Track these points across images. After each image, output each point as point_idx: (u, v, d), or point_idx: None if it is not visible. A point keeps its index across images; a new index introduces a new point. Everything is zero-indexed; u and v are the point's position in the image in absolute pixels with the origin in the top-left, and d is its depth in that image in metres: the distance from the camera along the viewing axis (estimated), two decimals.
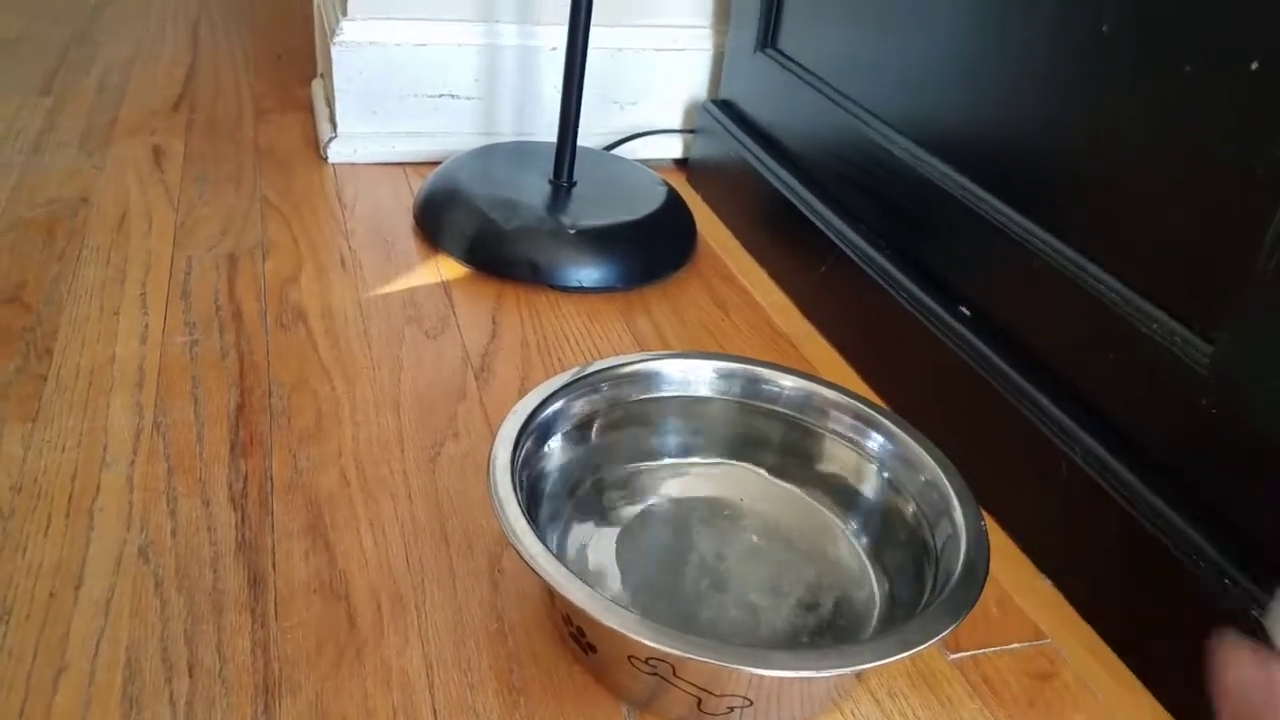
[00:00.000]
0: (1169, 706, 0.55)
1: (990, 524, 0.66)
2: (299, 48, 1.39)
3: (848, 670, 0.46)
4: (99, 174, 0.99)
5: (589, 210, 0.93)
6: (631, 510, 0.62)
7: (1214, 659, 0.37)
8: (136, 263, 0.85)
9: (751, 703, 0.48)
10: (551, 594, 0.50)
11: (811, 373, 0.67)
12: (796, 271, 0.92)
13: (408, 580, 0.57)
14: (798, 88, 0.92)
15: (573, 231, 0.90)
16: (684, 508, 0.63)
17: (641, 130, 1.15)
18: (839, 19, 0.87)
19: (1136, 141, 0.57)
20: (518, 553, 0.48)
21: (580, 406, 0.61)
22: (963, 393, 0.69)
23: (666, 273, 0.93)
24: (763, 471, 0.65)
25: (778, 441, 0.65)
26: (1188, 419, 0.54)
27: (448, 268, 0.90)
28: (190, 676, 0.50)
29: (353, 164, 1.07)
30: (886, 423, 0.61)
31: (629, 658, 0.47)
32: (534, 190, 0.95)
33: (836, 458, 0.63)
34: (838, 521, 0.62)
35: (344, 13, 1.03)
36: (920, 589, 0.54)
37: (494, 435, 0.55)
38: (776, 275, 0.95)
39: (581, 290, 0.89)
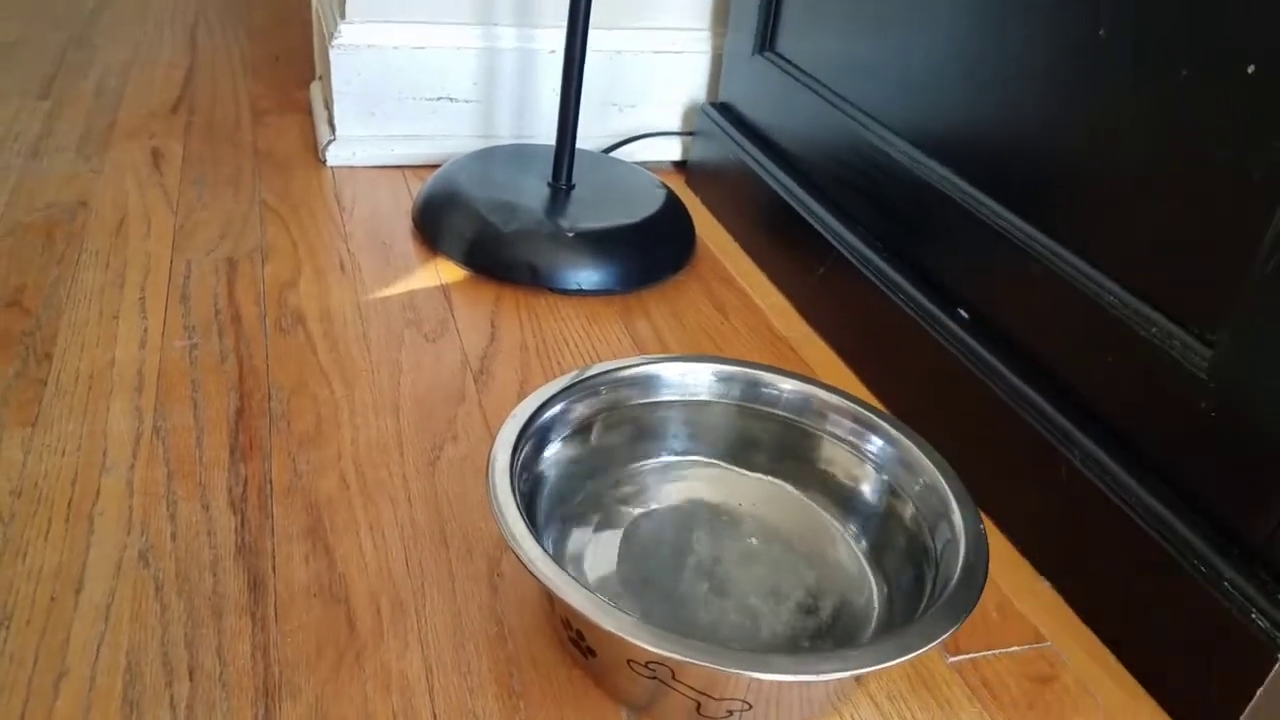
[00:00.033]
0: (1169, 709, 0.55)
1: (990, 527, 0.66)
2: (297, 50, 1.39)
3: (847, 674, 0.46)
4: (97, 178, 0.99)
5: (588, 213, 0.93)
6: (631, 513, 0.62)
7: None
8: (135, 266, 0.85)
9: (751, 706, 0.48)
10: (551, 598, 0.50)
11: (810, 375, 0.68)
12: (795, 274, 0.92)
13: (407, 584, 0.57)
14: (796, 90, 0.93)
15: (571, 234, 0.90)
16: (683, 511, 0.63)
17: (640, 133, 1.15)
18: (837, 22, 0.87)
19: (1134, 145, 0.57)
20: (517, 557, 0.48)
21: (579, 410, 0.62)
22: (961, 395, 0.69)
23: (665, 275, 0.94)
24: (762, 475, 0.65)
25: (777, 444, 0.65)
26: (1187, 422, 0.54)
27: (447, 271, 0.90)
28: (191, 680, 0.50)
29: (351, 167, 1.08)
30: (885, 426, 0.61)
31: (628, 662, 0.47)
32: (533, 193, 0.95)
33: (835, 461, 0.63)
34: (837, 524, 0.63)
35: (342, 15, 1.03)
36: (919, 592, 0.54)
37: (493, 438, 0.55)
38: (775, 278, 0.95)
39: (580, 293, 0.89)
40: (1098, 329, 0.59)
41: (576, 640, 0.51)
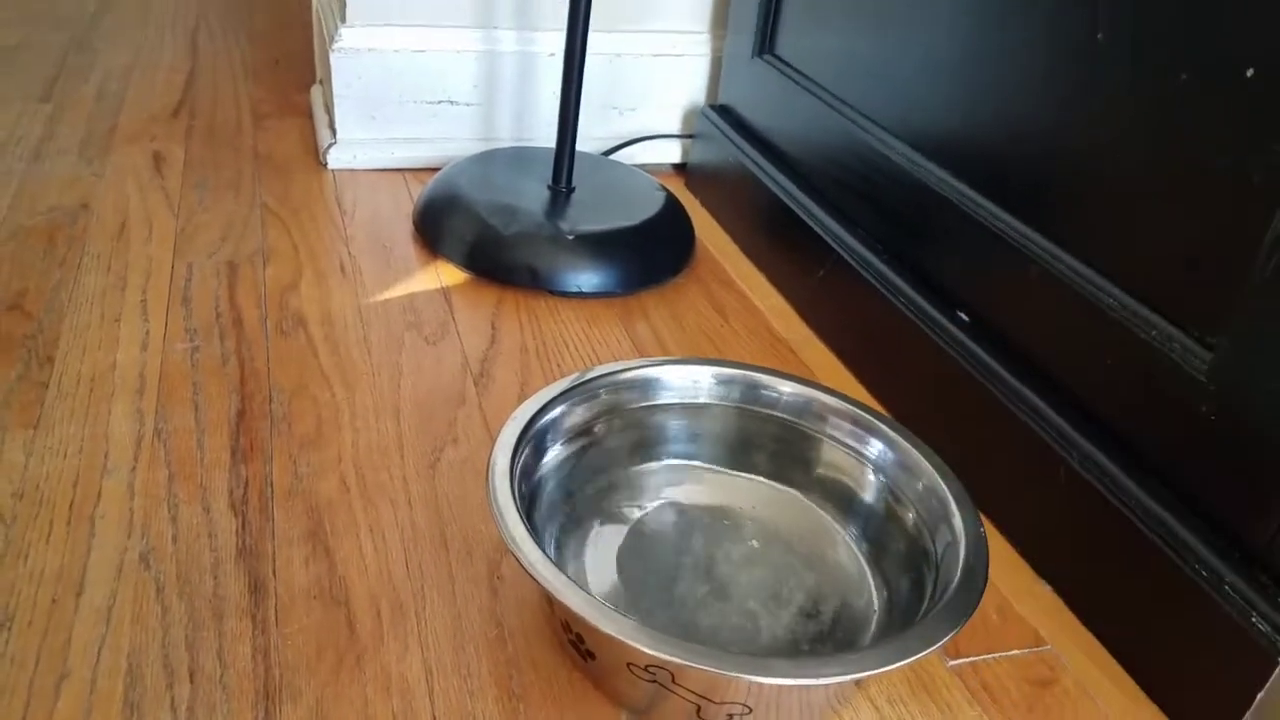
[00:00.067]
0: (1169, 713, 0.55)
1: (989, 529, 0.66)
2: (297, 53, 1.39)
3: (847, 678, 0.46)
4: (99, 181, 0.99)
5: (588, 215, 0.94)
6: (631, 516, 0.62)
7: None
8: (137, 270, 0.85)
9: (751, 710, 0.48)
10: (551, 601, 0.50)
11: (810, 378, 0.68)
12: (795, 276, 0.92)
13: (407, 586, 0.57)
14: (795, 93, 0.93)
15: (571, 237, 0.90)
16: (683, 514, 0.63)
17: (640, 135, 1.16)
18: (837, 25, 0.87)
19: (1134, 148, 0.57)
20: (517, 559, 0.48)
21: (580, 413, 0.62)
22: (961, 398, 0.69)
23: (665, 278, 0.94)
24: (762, 477, 0.65)
25: (777, 447, 0.65)
26: (1186, 425, 0.54)
27: (447, 273, 0.90)
28: (191, 683, 0.50)
29: (352, 170, 1.08)
30: (885, 428, 0.61)
31: (628, 665, 0.47)
32: (533, 196, 0.95)
33: (835, 463, 0.63)
34: (837, 527, 0.63)
35: (343, 19, 1.03)
36: (920, 595, 0.54)
37: (493, 441, 0.55)
38: (775, 280, 0.95)
39: (580, 295, 0.89)
40: (1097, 332, 0.60)
41: (576, 643, 0.51)
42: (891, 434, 0.61)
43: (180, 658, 0.51)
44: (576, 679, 0.53)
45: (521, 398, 0.74)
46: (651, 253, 0.94)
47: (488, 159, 1.03)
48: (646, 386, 0.64)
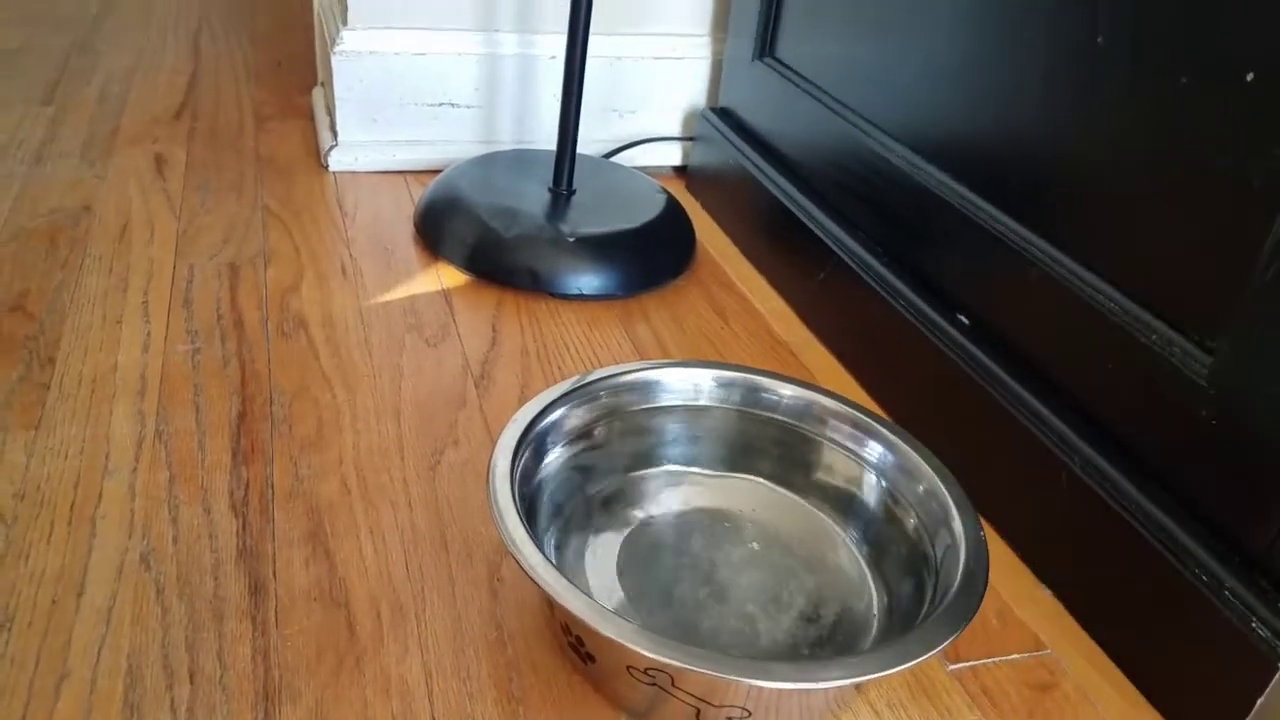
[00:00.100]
0: (1169, 717, 0.55)
1: (990, 533, 0.66)
2: (299, 56, 1.40)
3: (847, 682, 0.46)
4: (101, 183, 0.99)
5: (589, 218, 0.94)
6: (631, 519, 0.62)
7: None
8: (139, 271, 0.85)
9: (750, 714, 0.48)
10: (550, 603, 0.50)
11: (810, 380, 0.68)
12: (795, 279, 0.92)
13: (407, 588, 0.57)
14: (796, 96, 0.93)
15: (572, 239, 0.90)
16: (684, 517, 0.63)
17: (641, 138, 1.16)
18: (837, 28, 0.87)
19: (1134, 151, 0.57)
20: (517, 562, 0.48)
21: (580, 415, 0.62)
22: (961, 401, 0.69)
23: (666, 280, 0.94)
24: (762, 480, 0.65)
25: (777, 450, 0.65)
26: (1187, 429, 0.54)
27: (448, 276, 0.90)
28: (191, 683, 0.50)
29: (353, 172, 1.08)
30: (885, 432, 0.61)
31: (628, 668, 0.47)
32: (534, 198, 0.96)
33: (836, 467, 0.63)
34: (837, 530, 0.63)
35: (344, 22, 1.04)
36: (920, 599, 0.54)
37: (494, 443, 0.56)
38: (775, 282, 0.95)
39: (581, 298, 0.89)
40: (1098, 335, 0.60)
41: (576, 646, 0.51)
42: (892, 437, 0.61)
43: (180, 659, 0.51)
44: (576, 682, 0.53)
45: (522, 400, 0.74)
46: (652, 255, 0.94)
47: (489, 161, 1.03)
48: (647, 389, 0.64)
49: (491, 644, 0.55)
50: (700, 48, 1.14)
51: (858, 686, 0.54)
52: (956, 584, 0.50)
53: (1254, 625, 0.50)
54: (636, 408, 0.64)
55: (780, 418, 0.65)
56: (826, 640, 0.55)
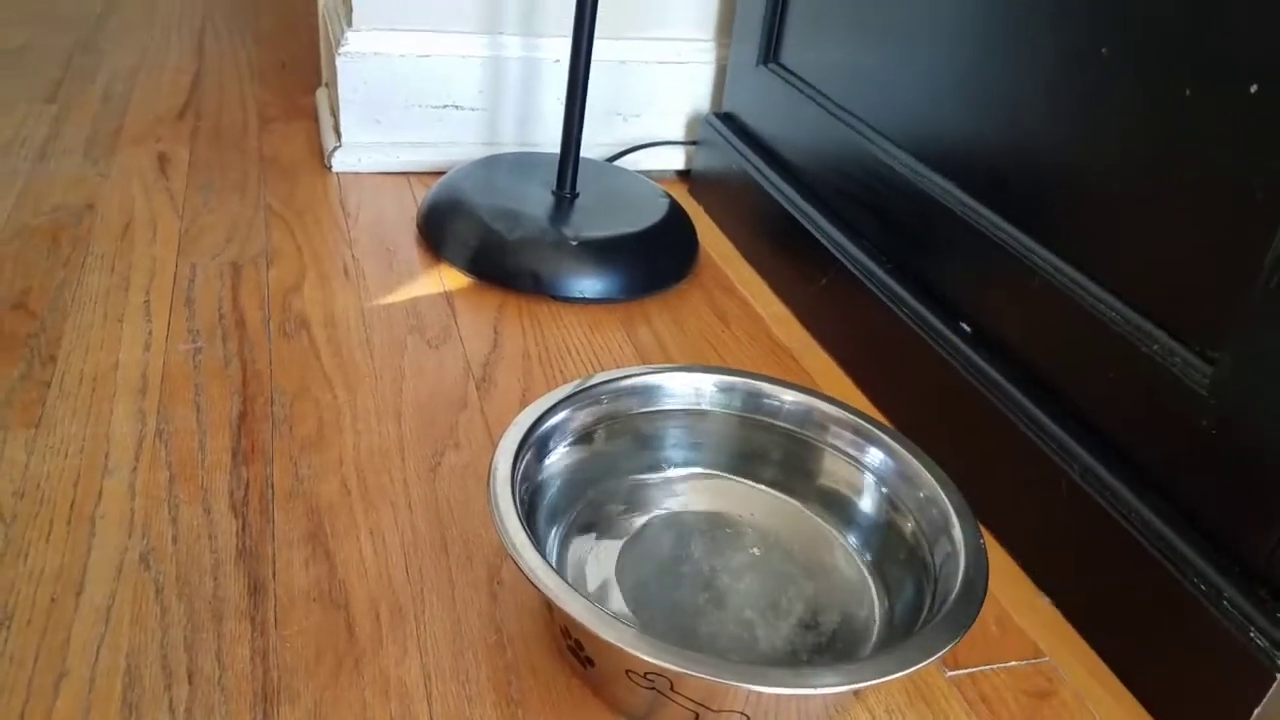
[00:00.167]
0: None
1: (989, 541, 0.66)
2: (303, 56, 1.40)
3: (845, 688, 0.46)
4: (104, 181, 0.99)
5: (591, 221, 0.94)
6: (631, 523, 0.62)
7: None
8: (141, 270, 0.85)
9: (749, 718, 0.48)
10: (550, 607, 0.50)
11: (811, 386, 0.68)
12: (797, 284, 0.92)
13: (407, 590, 0.57)
14: (799, 102, 0.93)
15: (575, 243, 0.90)
16: (684, 521, 0.63)
17: (644, 142, 1.16)
18: (841, 35, 0.87)
19: (1137, 162, 0.57)
20: (517, 565, 0.48)
21: (581, 419, 0.62)
22: (962, 409, 0.69)
23: (668, 284, 0.94)
24: (763, 486, 0.65)
25: (778, 456, 0.65)
26: (1187, 438, 0.54)
27: (450, 278, 0.90)
28: (190, 684, 0.50)
29: (357, 173, 1.08)
30: (886, 438, 0.61)
31: (627, 672, 0.47)
32: (537, 201, 0.96)
33: (836, 473, 0.63)
34: (837, 536, 0.63)
35: (349, 23, 1.04)
36: (919, 606, 0.54)
37: (495, 447, 0.56)
38: (777, 287, 0.95)
39: (583, 301, 0.89)
40: (1099, 345, 0.60)
41: (575, 649, 0.51)
42: (892, 444, 0.61)
43: (179, 658, 0.51)
44: (575, 685, 0.53)
45: (523, 403, 0.74)
46: (654, 259, 0.94)
47: (492, 164, 1.03)
48: (648, 393, 0.64)
49: (491, 647, 0.55)
50: (704, 52, 1.15)
51: (856, 693, 0.54)
52: (956, 591, 0.50)
53: (1252, 635, 0.50)
54: (637, 412, 0.64)
55: (781, 423, 0.65)
56: (825, 647, 0.55)
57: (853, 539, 0.62)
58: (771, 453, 0.65)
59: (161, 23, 1.49)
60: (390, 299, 0.86)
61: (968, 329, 0.71)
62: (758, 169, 0.99)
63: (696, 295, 0.93)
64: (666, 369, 0.65)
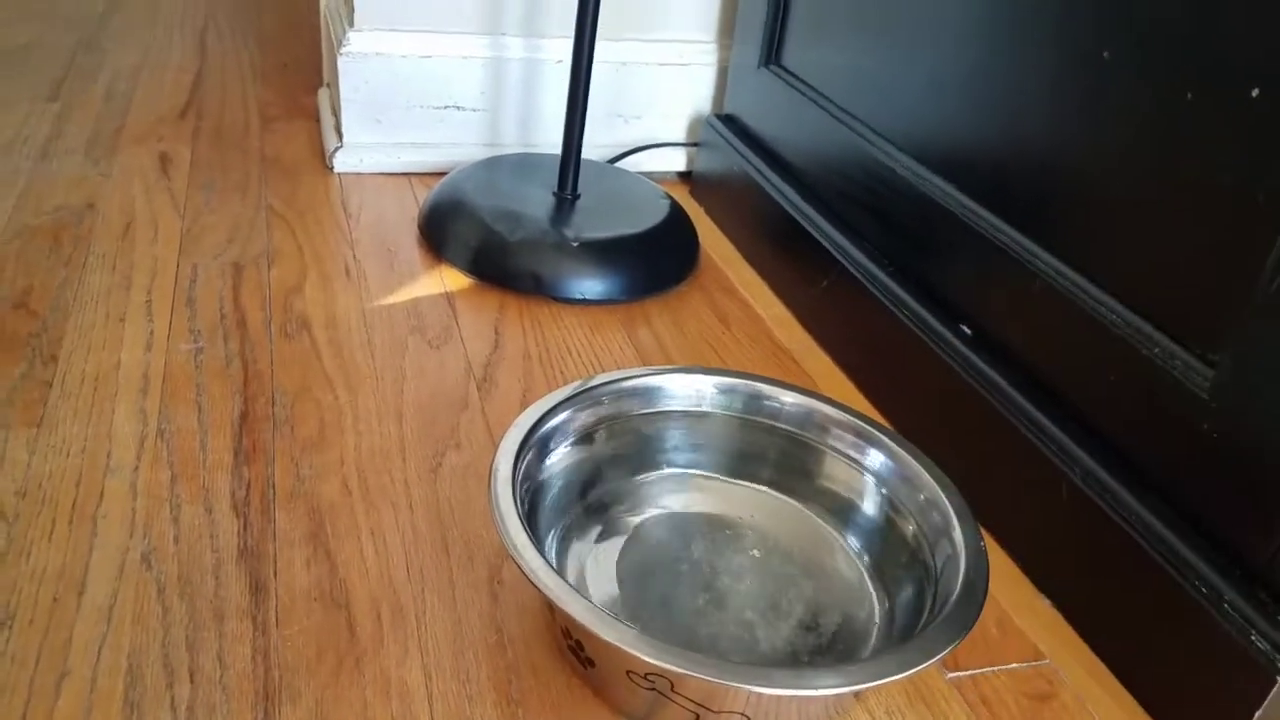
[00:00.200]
0: None
1: (990, 543, 0.66)
2: (305, 57, 1.40)
3: (846, 689, 0.46)
4: (106, 181, 0.99)
5: (592, 223, 0.94)
6: (632, 524, 0.62)
7: None
8: (142, 270, 0.85)
9: (749, 719, 0.48)
10: (551, 607, 0.50)
11: (812, 388, 0.68)
12: (798, 286, 0.92)
13: (408, 590, 0.57)
14: (801, 104, 0.93)
15: (576, 244, 0.90)
16: (685, 522, 0.63)
17: (645, 143, 1.16)
18: (843, 37, 0.87)
19: (1139, 165, 0.57)
20: (518, 566, 0.48)
21: (582, 420, 0.62)
22: (963, 411, 0.69)
23: (669, 285, 0.94)
24: (763, 487, 0.65)
25: (778, 457, 0.65)
26: (1188, 442, 0.54)
27: (451, 278, 0.90)
28: (191, 683, 0.50)
29: (358, 174, 1.08)
30: (887, 440, 0.61)
31: (628, 672, 0.48)
32: (538, 202, 0.96)
33: (837, 475, 0.63)
34: (838, 538, 0.63)
35: (351, 24, 1.04)
36: (919, 608, 0.55)
37: (496, 447, 0.56)
38: (778, 289, 0.95)
39: (584, 302, 0.89)
40: (1100, 347, 0.60)
41: (576, 650, 0.51)
42: (893, 446, 0.61)
43: (180, 658, 0.51)
44: (575, 686, 0.53)
45: (524, 403, 0.74)
46: (655, 260, 0.94)
47: (493, 165, 1.03)
48: (649, 395, 0.64)
49: (491, 647, 0.55)
50: (706, 54, 1.15)
51: (857, 694, 0.54)
52: (956, 593, 0.51)
53: (1253, 638, 0.50)
54: (638, 413, 0.64)
55: (782, 425, 0.65)
56: (825, 649, 0.55)
57: (853, 541, 0.62)
58: (772, 454, 0.65)
59: (164, 22, 1.49)
60: (391, 299, 0.86)
61: (969, 331, 0.71)
62: (759, 171, 0.99)
63: (697, 297, 0.93)
64: (667, 370, 0.65)
